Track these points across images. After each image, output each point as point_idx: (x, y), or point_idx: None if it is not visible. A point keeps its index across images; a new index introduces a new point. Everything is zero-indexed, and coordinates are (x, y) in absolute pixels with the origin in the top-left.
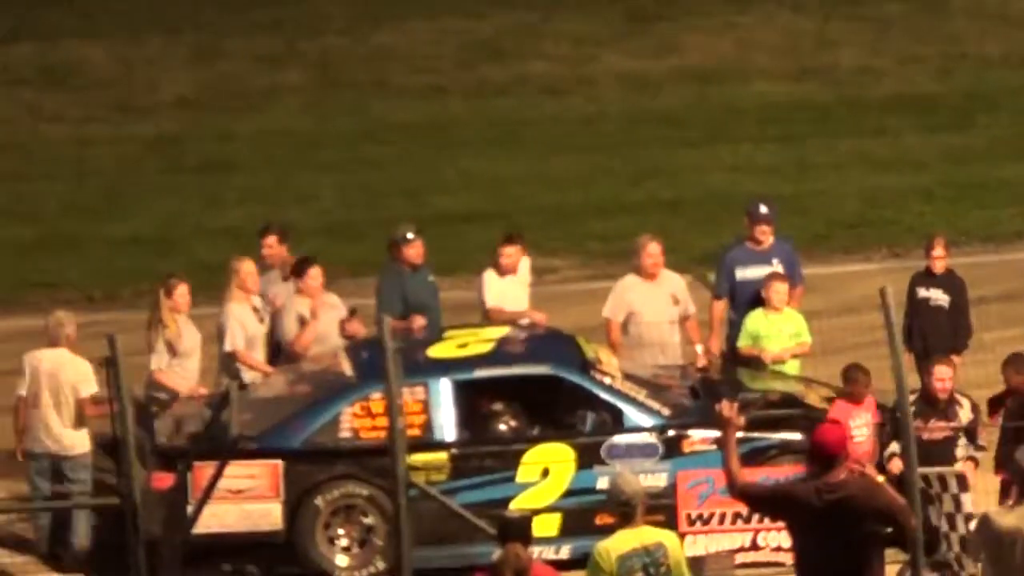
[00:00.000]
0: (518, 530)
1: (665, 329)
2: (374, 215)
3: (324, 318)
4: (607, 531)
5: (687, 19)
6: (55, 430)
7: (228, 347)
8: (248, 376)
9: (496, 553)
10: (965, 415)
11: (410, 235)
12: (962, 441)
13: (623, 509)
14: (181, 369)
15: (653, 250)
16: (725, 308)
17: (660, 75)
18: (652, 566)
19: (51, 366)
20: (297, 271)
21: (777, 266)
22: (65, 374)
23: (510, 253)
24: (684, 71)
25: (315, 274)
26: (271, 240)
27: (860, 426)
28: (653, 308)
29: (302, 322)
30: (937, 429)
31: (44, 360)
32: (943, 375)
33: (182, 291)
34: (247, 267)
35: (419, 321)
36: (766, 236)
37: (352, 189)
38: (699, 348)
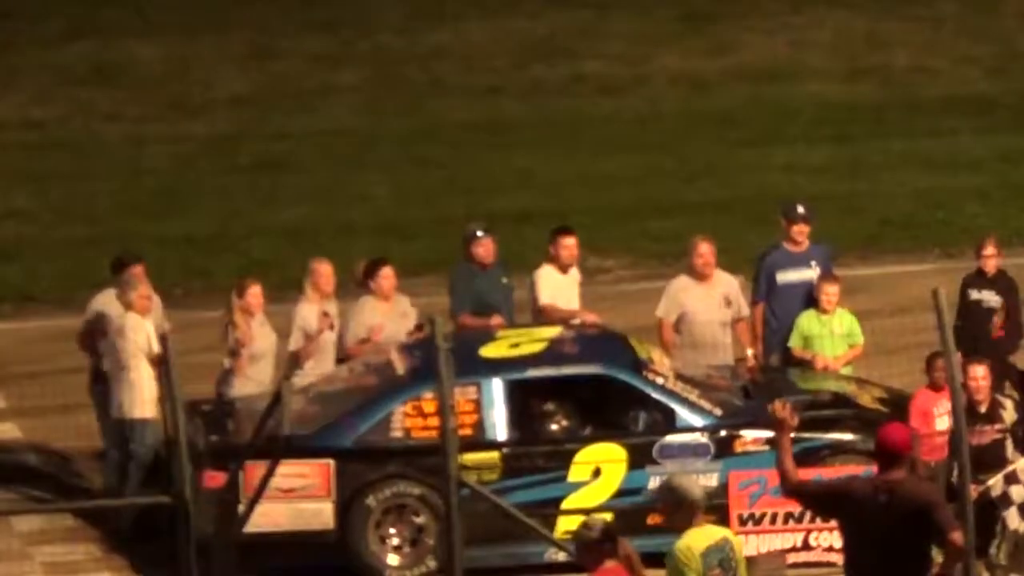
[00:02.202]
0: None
1: (717, 330)
2: (429, 215)
3: (389, 320)
4: (658, 531)
5: (741, 19)
6: (115, 394)
7: (292, 346)
8: (301, 376)
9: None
10: (1009, 416)
11: (479, 233)
12: (1009, 442)
13: (691, 509)
14: (253, 371)
15: (704, 250)
16: (764, 311)
17: (715, 75)
18: (726, 561)
19: (115, 330)
20: (369, 271)
21: (815, 268)
22: (127, 337)
23: (570, 244)
24: (738, 71)
25: (386, 274)
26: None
27: (943, 414)
28: (706, 309)
29: (367, 331)
30: (984, 433)
31: (112, 322)
32: (976, 374)
33: (254, 292)
34: (322, 269)
35: (497, 319)
36: (803, 237)
37: (407, 189)
38: (749, 351)
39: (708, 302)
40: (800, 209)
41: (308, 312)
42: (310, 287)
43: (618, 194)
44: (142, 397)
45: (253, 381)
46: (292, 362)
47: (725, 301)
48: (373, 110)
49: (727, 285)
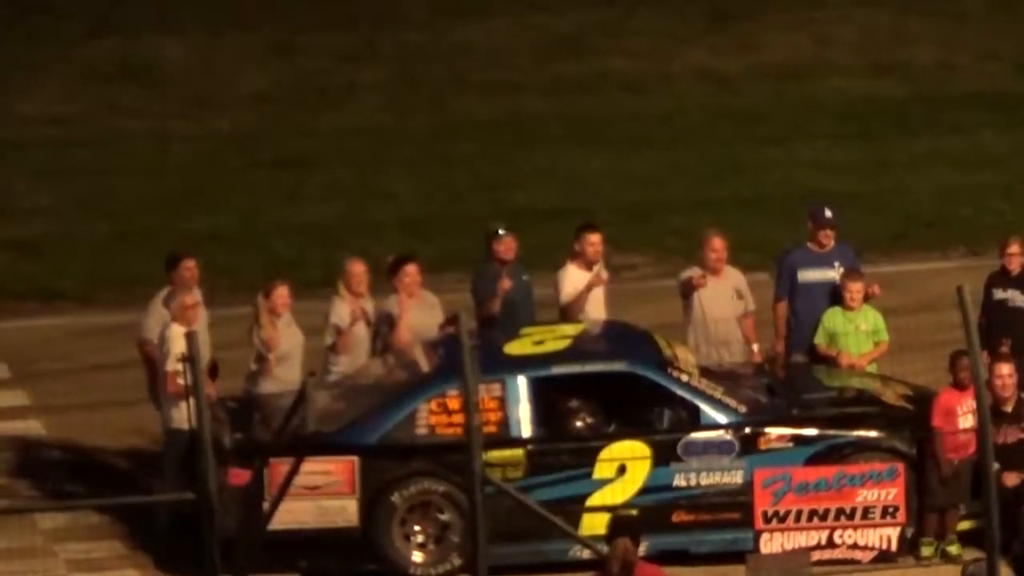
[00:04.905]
0: (627, 526)
1: (730, 325)
2: (452, 211)
3: (417, 315)
4: (683, 528)
5: (766, 16)
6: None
7: (328, 341)
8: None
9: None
10: None
11: (501, 231)
12: None
13: None
14: (280, 371)
15: (717, 245)
16: (786, 309)
17: (739, 72)
18: None
19: (159, 340)
20: (393, 269)
21: (838, 268)
22: (168, 349)
23: (595, 240)
24: (763, 68)
25: (410, 271)
26: (190, 264)
27: (966, 413)
28: (719, 305)
29: (390, 322)
30: (1009, 433)
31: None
32: (1001, 372)
33: (281, 293)
34: (355, 268)
35: (506, 283)
36: (830, 240)
37: (430, 186)
38: (755, 347)
39: (720, 296)
40: (828, 213)
41: (341, 308)
42: (343, 286)
43: (643, 191)
44: (181, 410)
45: (280, 381)
46: (328, 357)
47: (736, 294)
48: (397, 107)
49: (736, 279)
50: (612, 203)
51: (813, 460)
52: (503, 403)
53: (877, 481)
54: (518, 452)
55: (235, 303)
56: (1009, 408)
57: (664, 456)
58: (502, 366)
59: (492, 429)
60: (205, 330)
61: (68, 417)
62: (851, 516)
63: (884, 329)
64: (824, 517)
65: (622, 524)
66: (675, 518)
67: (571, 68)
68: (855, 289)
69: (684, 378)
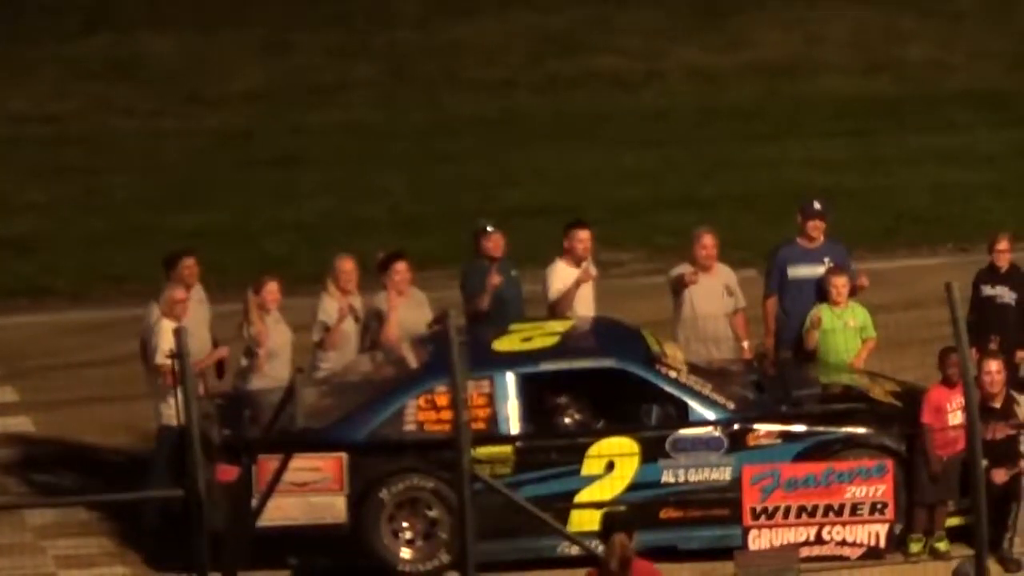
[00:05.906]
0: (623, 523)
1: (720, 322)
2: (444, 209)
3: (406, 312)
4: (672, 525)
5: (758, 13)
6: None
7: (315, 337)
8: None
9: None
10: (1023, 414)
11: (489, 228)
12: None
13: None
14: (269, 367)
15: (708, 242)
16: (776, 305)
17: (731, 69)
18: None
19: (148, 335)
20: (383, 266)
21: (828, 264)
22: (157, 345)
23: (583, 237)
24: (755, 65)
25: (400, 268)
26: (189, 262)
27: (955, 409)
28: (708, 301)
29: (379, 318)
30: (998, 429)
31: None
32: (990, 369)
33: (271, 288)
34: (344, 266)
35: (495, 279)
36: (818, 232)
37: (423, 183)
38: (745, 344)
39: (711, 293)
40: (816, 205)
41: (329, 305)
42: (331, 282)
43: (633, 189)
44: (170, 405)
45: (269, 378)
46: (316, 353)
47: (727, 291)
48: (389, 104)
49: (727, 276)
50: (603, 200)
51: (802, 456)
52: (491, 400)
53: (866, 477)
54: (506, 449)
55: (225, 300)
56: (998, 404)
57: (652, 452)
58: (491, 363)
59: (480, 426)
60: (207, 327)
61: (57, 413)
62: (840, 512)
63: (872, 325)
64: (813, 513)
65: (616, 520)
66: (663, 514)
67: (563, 65)
68: (839, 284)
69: (672, 375)
